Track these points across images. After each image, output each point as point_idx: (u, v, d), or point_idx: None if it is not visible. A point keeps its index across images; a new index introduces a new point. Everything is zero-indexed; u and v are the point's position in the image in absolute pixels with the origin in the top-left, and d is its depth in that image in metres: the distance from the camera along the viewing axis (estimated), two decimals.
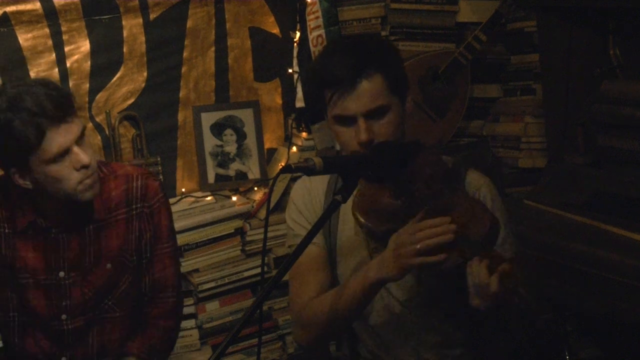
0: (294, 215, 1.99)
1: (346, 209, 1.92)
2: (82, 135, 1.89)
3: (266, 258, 3.09)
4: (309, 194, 1.98)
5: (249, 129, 3.17)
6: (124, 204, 2.05)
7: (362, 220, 1.79)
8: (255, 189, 3.16)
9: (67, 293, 2.03)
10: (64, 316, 2.04)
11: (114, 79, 2.95)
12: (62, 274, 2.02)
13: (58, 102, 1.83)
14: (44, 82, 1.88)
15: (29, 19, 2.77)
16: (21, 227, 2.00)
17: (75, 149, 1.87)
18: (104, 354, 2.10)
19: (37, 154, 1.83)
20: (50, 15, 2.79)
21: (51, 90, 1.86)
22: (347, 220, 1.94)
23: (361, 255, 1.91)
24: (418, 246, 1.61)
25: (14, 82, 1.92)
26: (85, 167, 1.88)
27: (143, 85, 3.00)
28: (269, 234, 3.03)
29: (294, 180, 3.11)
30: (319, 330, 1.87)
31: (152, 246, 2.09)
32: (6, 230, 2.01)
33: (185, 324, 2.90)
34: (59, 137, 1.83)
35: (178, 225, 2.58)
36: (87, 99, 2.90)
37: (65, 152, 1.85)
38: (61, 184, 1.88)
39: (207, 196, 3.09)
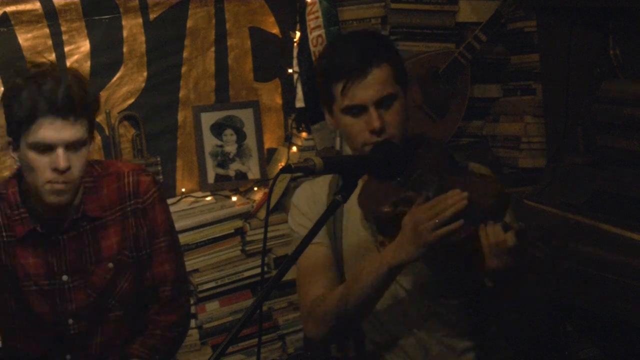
0: (299, 219, 1.98)
1: (349, 214, 1.94)
2: (78, 143, 1.86)
3: (266, 258, 3.09)
4: (313, 198, 1.99)
5: (249, 129, 3.17)
6: (118, 202, 2.04)
7: (369, 208, 1.81)
8: (255, 189, 3.16)
9: (71, 297, 2.02)
10: (70, 320, 2.03)
11: (114, 79, 2.95)
12: (65, 277, 2.01)
13: (70, 98, 1.82)
14: (76, 75, 1.89)
15: (29, 19, 2.77)
16: (20, 235, 1.99)
17: (60, 151, 1.84)
18: (106, 353, 2.09)
19: (26, 132, 1.84)
20: (50, 15, 2.79)
21: (76, 84, 1.85)
22: (350, 224, 1.95)
23: (366, 243, 1.92)
24: (437, 220, 1.64)
25: (56, 66, 1.95)
26: (57, 171, 1.85)
27: (143, 85, 3.00)
28: (269, 234, 3.03)
29: (294, 180, 3.11)
30: (333, 323, 1.86)
31: (149, 241, 2.08)
32: (4, 239, 2.00)
33: None
34: (48, 131, 1.82)
35: (178, 225, 2.57)
36: None
37: (49, 148, 1.84)
38: (33, 174, 1.88)
39: (207, 196, 3.09)
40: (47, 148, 1.84)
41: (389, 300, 1.91)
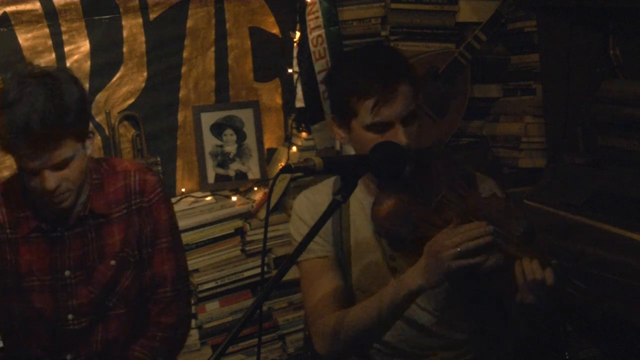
0: (301, 228, 1.98)
1: (356, 215, 1.94)
2: (65, 162, 1.84)
3: (266, 258, 3.09)
4: (314, 207, 1.98)
5: (249, 129, 3.17)
6: (124, 200, 2.05)
7: (384, 225, 1.80)
8: (255, 189, 3.16)
9: (73, 292, 2.02)
10: (70, 316, 2.03)
11: (114, 79, 2.95)
12: (67, 272, 2.01)
13: (46, 126, 1.76)
14: (58, 91, 1.79)
15: (29, 19, 2.77)
16: (25, 232, 1.99)
17: (46, 173, 1.82)
18: (107, 352, 2.09)
19: (14, 156, 1.84)
20: (50, 15, 2.79)
21: (55, 107, 1.77)
22: (358, 226, 1.95)
23: (375, 257, 1.92)
24: (459, 249, 1.62)
25: (34, 71, 1.83)
26: (46, 192, 1.85)
27: (143, 85, 3.00)
28: (269, 234, 3.03)
29: (294, 180, 3.11)
30: (346, 342, 1.86)
31: (151, 241, 2.08)
32: (9, 236, 2.00)
33: None
34: (29, 159, 1.80)
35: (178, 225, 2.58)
36: None
37: (35, 172, 1.83)
38: (31, 188, 1.89)
39: (207, 196, 3.09)
40: (33, 172, 1.83)
41: (406, 320, 1.92)
